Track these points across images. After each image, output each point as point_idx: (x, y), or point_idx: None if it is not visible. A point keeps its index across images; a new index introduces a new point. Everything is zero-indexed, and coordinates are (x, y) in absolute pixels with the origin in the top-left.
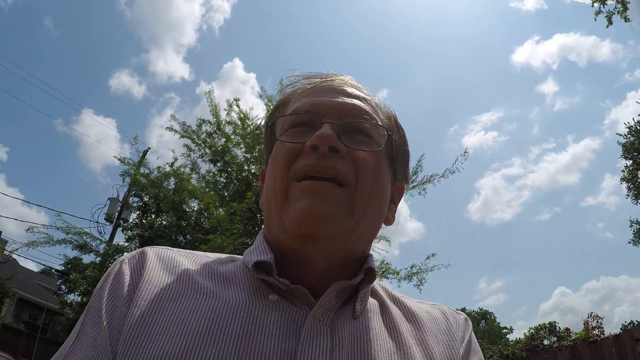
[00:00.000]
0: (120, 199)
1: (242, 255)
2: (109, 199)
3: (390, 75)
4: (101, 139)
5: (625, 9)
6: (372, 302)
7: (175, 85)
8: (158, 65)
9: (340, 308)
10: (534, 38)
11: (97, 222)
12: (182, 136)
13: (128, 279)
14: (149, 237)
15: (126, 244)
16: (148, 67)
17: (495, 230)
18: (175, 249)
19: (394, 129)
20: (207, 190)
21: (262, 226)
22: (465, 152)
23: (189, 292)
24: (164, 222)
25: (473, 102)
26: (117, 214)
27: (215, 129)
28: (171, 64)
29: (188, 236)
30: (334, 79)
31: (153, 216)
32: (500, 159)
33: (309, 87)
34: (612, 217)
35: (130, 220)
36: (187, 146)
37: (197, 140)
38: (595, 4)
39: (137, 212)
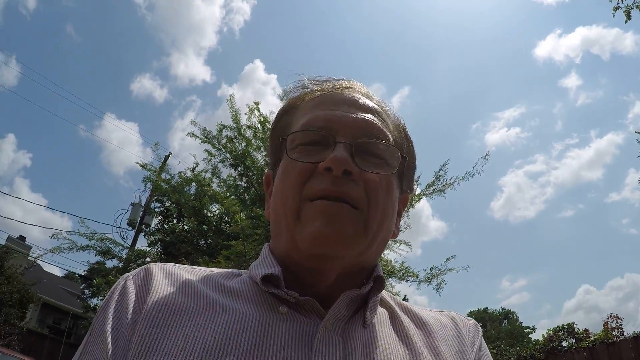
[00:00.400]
0: (143, 204)
1: (247, 269)
2: (131, 204)
3: (412, 72)
4: (123, 144)
5: None
6: (381, 311)
7: (197, 88)
8: (179, 68)
9: (351, 317)
10: (557, 32)
11: (120, 227)
12: (203, 141)
13: (133, 296)
14: (170, 241)
15: (148, 248)
16: (169, 71)
17: (519, 228)
18: (179, 265)
19: (404, 142)
20: (228, 194)
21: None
22: (486, 154)
23: (198, 306)
24: (186, 227)
25: (496, 98)
26: (139, 219)
27: (235, 133)
28: (192, 67)
29: (210, 240)
30: (343, 86)
31: (175, 221)
32: (523, 156)
33: (318, 94)
34: (636, 213)
35: (152, 225)
36: (208, 151)
37: (217, 146)
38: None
39: (159, 217)
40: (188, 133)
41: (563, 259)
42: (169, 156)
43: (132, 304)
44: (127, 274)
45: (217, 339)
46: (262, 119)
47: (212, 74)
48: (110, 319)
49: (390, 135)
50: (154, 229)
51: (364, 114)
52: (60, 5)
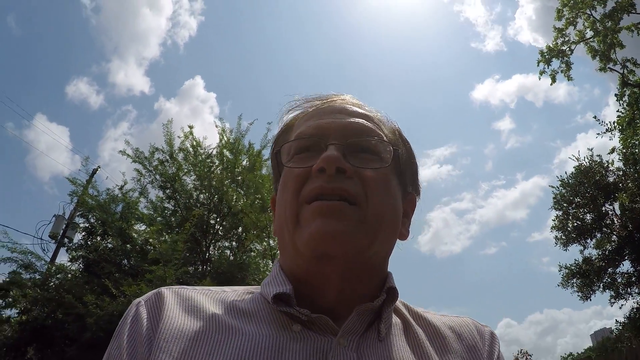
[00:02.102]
0: (67, 216)
1: (244, 284)
2: (54, 216)
3: None
4: (52, 148)
5: (569, 68)
6: (395, 321)
7: (134, 98)
8: (118, 76)
9: (365, 331)
10: (495, 77)
11: (42, 239)
12: (134, 161)
13: (146, 322)
14: (94, 259)
15: (69, 263)
16: (108, 77)
17: (445, 262)
18: (191, 287)
19: (399, 143)
20: (154, 215)
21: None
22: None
23: (212, 331)
24: (109, 245)
25: (433, 134)
26: (61, 232)
27: (167, 157)
28: (132, 76)
29: (132, 261)
30: (334, 99)
31: (99, 238)
32: (451, 193)
33: (311, 110)
34: (556, 252)
35: (76, 241)
36: (138, 170)
37: (148, 167)
38: (541, 64)
39: (83, 233)
40: (120, 151)
41: (486, 293)
42: (96, 170)
43: (145, 331)
44: (138, 299)
45: None
46: (194, 143)
47: (151, 86)
48: (125, 347)
49: (382, 135)
50: (76, 245)
51: (355, 118)
52: None
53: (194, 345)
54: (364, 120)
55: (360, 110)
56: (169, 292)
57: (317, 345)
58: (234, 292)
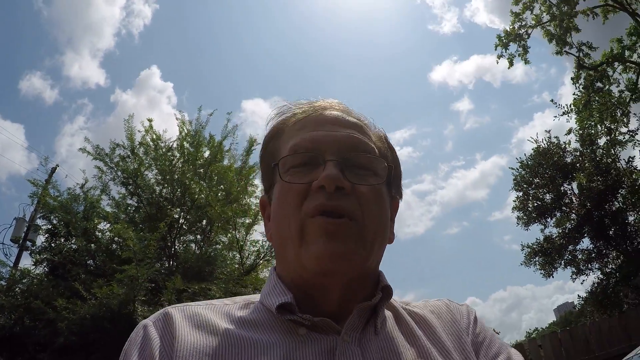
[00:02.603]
0: (27, 218)
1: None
2: (15, 218)
3: (311, 85)
4: (7, 147)
5: (526, 52)
6: (388, 314)
7: (90, 91)
8: (73, 69)
9: (364, 327)
10: (453, 58)
11: (3, 243)
12: (95, 158)
13: (158, 342)
14: (59, 262)
15: (33, 267)
16: (62, 71)
17: (408, 244)
18: (194, 303)
19: (387, 152)
20: (118, 213)
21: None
22: None
23: (227, 345)
24: (74, 246)
25: (390, 117)
26: (23, 235)
27: (129, 152)
28: (86, 69)
29: (98, 261)
30: (323, 105)
31: (62, 239)
32: (412, 175)
33: (301, 117)
34: (517, 231)
35: (39, 244)
36: (99, 168)
37: (109, 164)
38: (498, 48)
39: (46, 235)
40: (80, 149)
41: (450, 273)
42: (55, 169)
43: (159, 352)
44: (144, 321)
45: None
46: (155, 136)
47: (106, 78)
48: None
49: (374, 147)
50: (40, 248)
51: (347, 130)
52: None
53: None
54: (357, 133)
55: (351, 120)
56: (176, 311)
57: (324, 344)
58: (235, 304)
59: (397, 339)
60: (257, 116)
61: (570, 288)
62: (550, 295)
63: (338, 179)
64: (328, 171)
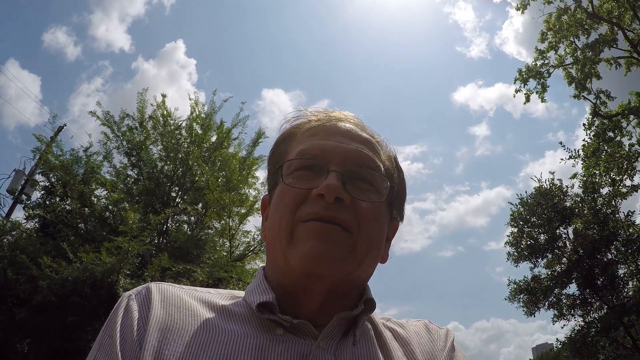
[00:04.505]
0: (27, 172)
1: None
2: (14, 170)
3: (334, 87)
4: (20, 96)
5: (544, 90)
6: (368, 327)
7: (113, 55)
8: (99, 30)
9: (342, 337)
10: (478, 82)
11: None
12: (103, 124)
13: (137, 314)
14: (51, 220)
15: (24, 221)
16: (88, 29)
17: (403, 259)
18: (178, 286)
19: (394, 173)
20: (117, 182)
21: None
22: None
23: (197, 328)
24: (67, 207)
25: (408, 130)
26: (20, 188)
27: (137, 124)
28: (113, 32)
29: (89, 226)
30: (338, 117)
31: (58, 199)
32: (415, 192)
33: (315, 124)
34: (510, 265)
35: (34, 199)
36: (106, 134)
37: (116, 132)
38: (517, 82)
39: (42, 192)
40: (90, 112)
41: (437, 294)
42: (62, 128)
43: (136, 323)
44: (129, 292)
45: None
46: (165, 112)
47: (131, 44)
48: (118, 336)
49: (381, 165)
50: (34, 203)
51: (356, 144)
52: None
53: (180, 341)
54: (366, 148)
55: (364, 135)
56: (156, 288)
57: (299, 347)
58: (219, 295)
59: (373, 352)
60: (275, 106)
61: (552, 329)
62: (532, 333)
63: (339, 189)
64: (329, 181)
